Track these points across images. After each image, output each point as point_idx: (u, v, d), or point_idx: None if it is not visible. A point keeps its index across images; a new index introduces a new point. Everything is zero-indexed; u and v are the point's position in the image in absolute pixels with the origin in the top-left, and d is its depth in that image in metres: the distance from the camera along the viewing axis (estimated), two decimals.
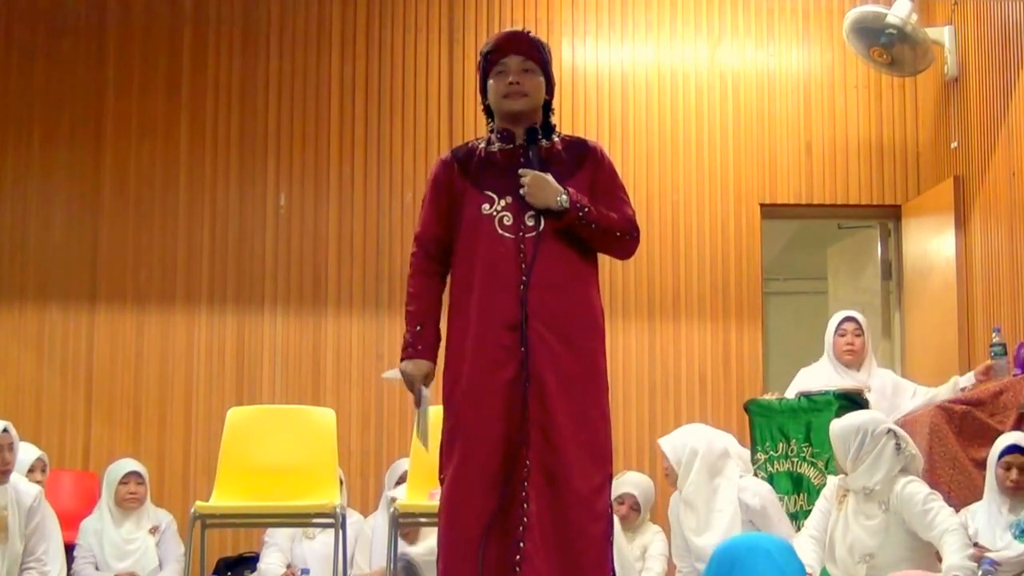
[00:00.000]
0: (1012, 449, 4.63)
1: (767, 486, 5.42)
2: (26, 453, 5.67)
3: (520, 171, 3.34)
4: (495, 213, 3.33)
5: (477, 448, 3.23)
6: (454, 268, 3.40)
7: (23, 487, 5.03)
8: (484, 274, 3.31)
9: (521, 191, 3.30)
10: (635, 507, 6.06)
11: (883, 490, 4.62)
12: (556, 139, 3.46)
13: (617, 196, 3.43)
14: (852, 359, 5.89)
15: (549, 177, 3.32)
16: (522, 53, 3.39)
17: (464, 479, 3.23)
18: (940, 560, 4.49)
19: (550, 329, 3.26)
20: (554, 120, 3.50)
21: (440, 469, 3.34)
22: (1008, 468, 4.62)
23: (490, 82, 3.42)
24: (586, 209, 3.30)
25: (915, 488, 4.57)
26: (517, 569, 3.13)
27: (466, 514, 3.20)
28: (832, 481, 4.94)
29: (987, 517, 4.60)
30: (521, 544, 3.14)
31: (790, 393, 5.87)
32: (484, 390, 3.25)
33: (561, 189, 3.30)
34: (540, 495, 3.19)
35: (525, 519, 3.16)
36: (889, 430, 4.75)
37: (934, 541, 4.44)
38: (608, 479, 3.30)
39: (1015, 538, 4.48)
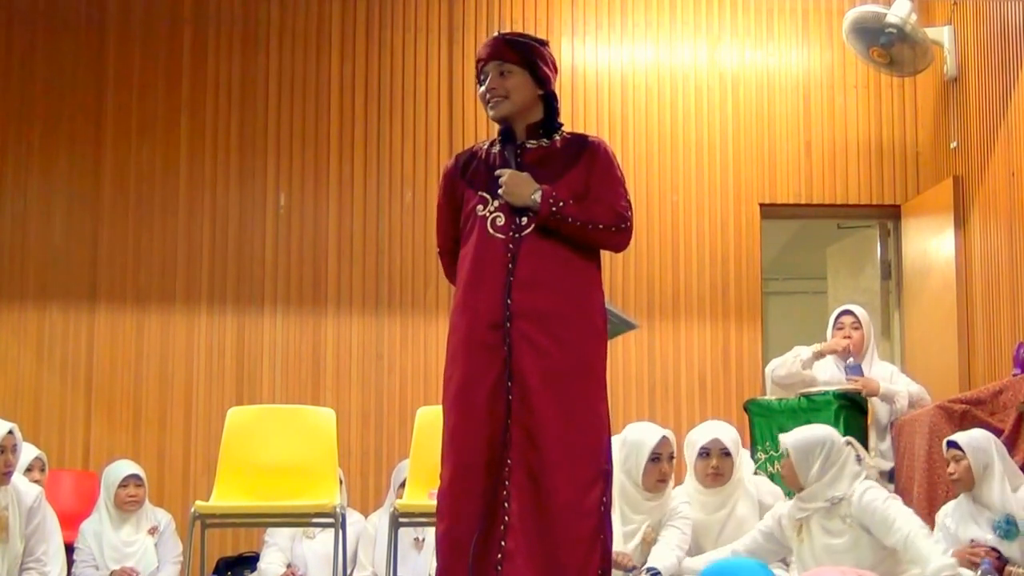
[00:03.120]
0: (949, 445, 4.71)
1: (779, 488, 5.39)
2: (24, 452, 5.66)
3: (496, 171, 3.37)
4: (488, 214, 3.37)
5: (464, 449, 3.26)
6: (457, 270, 3.44)
7: (24, 487, 5.03)
8: (475, 275, 3.35)
9: (499, 191, 3.34)
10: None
11: (843, 501, 4.57)
12: (557, 136, 3.48)
13: (611, 189, 3.43)
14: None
15: (527, 176, 3.34)
16: (498, 57, 3.42)
17: (453, 481, 3.26)
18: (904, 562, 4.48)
19: (537, 327, 3.27)
20: (560, 118, 3.52)
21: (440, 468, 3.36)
22: (946, 465, 4.72)
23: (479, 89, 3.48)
24: (560, 204, 3.32)
25: (873, 494, 4.53)
26: (499, 568, 3.15)
27: (455, 516, 3.22)
28: (784, 509, 4.82)
29: (961, 514, 4.62)
30: (503, 543, 3.16)
31: (791, 356, 5.92)
32: (471, 390, 3.29)
33: (536, 186, 3.31)
34: (523, 494, 3.20)
35: (507, 518, 3.18)
36: (848, 442, 4.75)
37: (898, 545, 4.38)
38: (600, 476, 3.29)
39: (1001, 537, 4.50)
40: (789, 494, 5.54)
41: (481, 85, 3.47)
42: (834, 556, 4.53)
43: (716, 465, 5.11)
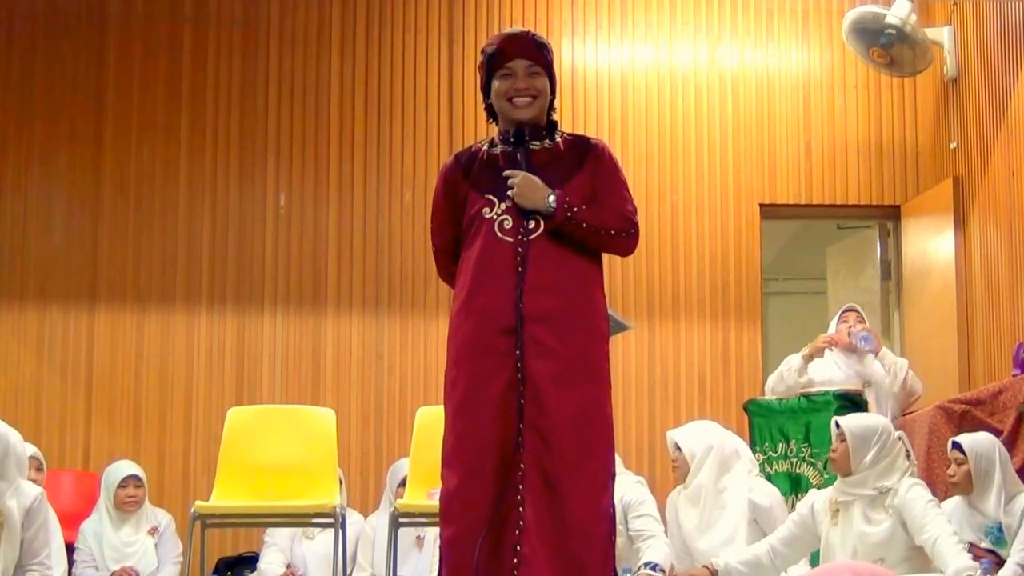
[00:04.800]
0: (953, 446, 4.73)
1: (776, 489, 5.41)
2: None
3: (506, 172, 3.33)
4: (495, 216, 3.32)
5: (474, 453, 3.22)
6: (457, 272, 3.41)
7: (25, 487, 5.02)
8: (481, 277, 3.30)
9: (509, 192, 3.30)
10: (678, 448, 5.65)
11: (890, 492, 4.63)
12: (559, 138, 3.44)
13: (617, 193, 3.40)
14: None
15: (538, 179, 3.31)
16: (529, 56, 3.36)
17: (462, 486, 3.23)
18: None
19: (547, 331, 3.25)
20: (555, 118, 3.48)
21: (441, 469, 3.35)
22: (947, 466, 4.75)
23: (494, 84, 3.38)
24: (575, 209, 3.29)
25: (919, 492, 4.60)
26: (515, 573, 3.13)
27: (464, 521, 3.20)
28: (819, 495, 4.91)
29: (958, 517, 4.64)
30: (518, 547, 3.14)
31: (784, 368, 6.00)
32: (480, 394, 3.25)
33: (549, 190, 3.29)
34: (537, 497, 3.18)
35: (521, 522, 3.15)
36: (899, 437, 4.80)
37: (926, 544, 4.45)
38: (611, 478, 3.29)
39: (993, 544, 4.51)
40: (787, 494, 5.58)
41: (495, 79, 3.37)
42: (866, 545, 4.58)
43: (673, 458, 5.39)
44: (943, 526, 4.46)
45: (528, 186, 3.29)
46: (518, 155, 3.36)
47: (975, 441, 4.67)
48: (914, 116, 7.35)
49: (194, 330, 6.98)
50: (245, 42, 7.23)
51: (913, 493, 4.58)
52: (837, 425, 4.84)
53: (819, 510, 4.82)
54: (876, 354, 5.92)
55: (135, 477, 5.93)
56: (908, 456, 4.76)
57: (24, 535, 4.84)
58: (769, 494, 5.25)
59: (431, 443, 3.89)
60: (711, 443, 5.32)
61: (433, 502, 4.00)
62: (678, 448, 5.37)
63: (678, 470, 5.38)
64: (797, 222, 8.51)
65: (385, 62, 7.26)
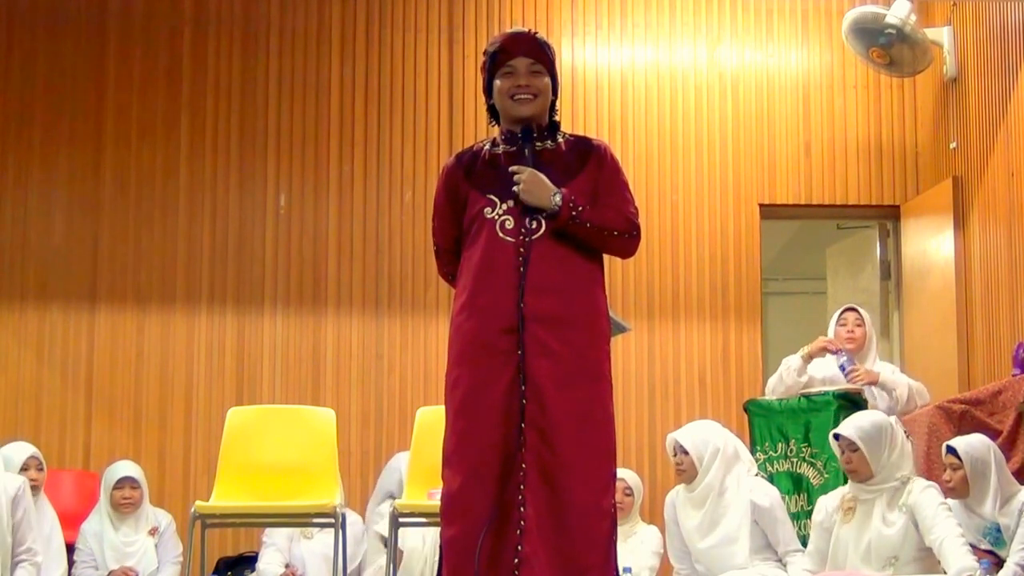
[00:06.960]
0: (948, 451, 4.74)
1: (775, 489, 5.41)
2: (20, 451, 5.69)
3: (512, 168, 3.33)
4: (496, 216, 3.33)
5: (477, 453, 3.22)
6: (458, 272, 3.41)
7: (7, 478, 5.04)
8: (483, 277, 3.31)
9: (515, 188, 3.30)
10: (628, 492, 5.96)
11: (904, 489, 4.66)
12: (560, 139, 3.45)
13: (620, 194, 3.41)
14: (852, 348, 5.93)
15: (544, 177, 3.31)
16: (531, 55, 3.37)
17: (465, 486, 3.23)
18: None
19: (549, 331, 3.25)
20: (557, 119, 3.49)
21: (442, 469, 3.35)
22: (943, 470, 4.74)
23: (496, 82, 3.39)
24: (579, 209, 3.29)
25: (932, 494, 4.64)
26: (516, 573, 3.13)
27: (467, 521, 3.20)
28: (828, 499, 4.92)
29: (958, 517, 4.66)
30: (519, 547, 3.14)
31: (784, 369, 5.94)
32: (482, 394, 3.25)
33: (555, 189, 3.29)
34: (538, 497, 3.18)
35: (522, 522, 3.15)
36: (893, 421, 4.84)
37: (933, 544, 4.50)
38: (612, 478, 3.30)
39: (992, 544, 4.52)
40: (788, 493, 5.57)
41: (497, 77, 3.38)
42: (881, 544, 4.61)
43: (678, 461, 5.29)
44: (951, 528, 4.48)
45: (535, 183, 3.29)
46: (525, 151, 3.36)
47: (970, 445, 4.66)
48: (914, 116, 7.36)
49: (194, 330, 6.99)
50: (245, 42, 7.24)
51: (926, 494, 4.61)
52: (836, 437, 4.83)
53: (832, 509, 4.84)
54: (874, 385, 5.85)
55: (131, 479, 5.91)
56: (908, 436, 4.79)
57: (9, 524, 4.86)
58: (768, 494, 5.25)
59: (431, 443, 3.90)
60: (717, 444, 5.31)
61: (433, 502, 4.00)
62: (683, 451, 5.28)
63: (684, 473, 5.30)
64: (797, 222, 8.51)
65: (385, 62, 7.26)
